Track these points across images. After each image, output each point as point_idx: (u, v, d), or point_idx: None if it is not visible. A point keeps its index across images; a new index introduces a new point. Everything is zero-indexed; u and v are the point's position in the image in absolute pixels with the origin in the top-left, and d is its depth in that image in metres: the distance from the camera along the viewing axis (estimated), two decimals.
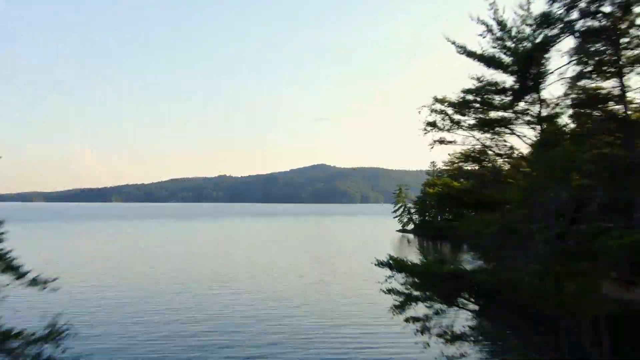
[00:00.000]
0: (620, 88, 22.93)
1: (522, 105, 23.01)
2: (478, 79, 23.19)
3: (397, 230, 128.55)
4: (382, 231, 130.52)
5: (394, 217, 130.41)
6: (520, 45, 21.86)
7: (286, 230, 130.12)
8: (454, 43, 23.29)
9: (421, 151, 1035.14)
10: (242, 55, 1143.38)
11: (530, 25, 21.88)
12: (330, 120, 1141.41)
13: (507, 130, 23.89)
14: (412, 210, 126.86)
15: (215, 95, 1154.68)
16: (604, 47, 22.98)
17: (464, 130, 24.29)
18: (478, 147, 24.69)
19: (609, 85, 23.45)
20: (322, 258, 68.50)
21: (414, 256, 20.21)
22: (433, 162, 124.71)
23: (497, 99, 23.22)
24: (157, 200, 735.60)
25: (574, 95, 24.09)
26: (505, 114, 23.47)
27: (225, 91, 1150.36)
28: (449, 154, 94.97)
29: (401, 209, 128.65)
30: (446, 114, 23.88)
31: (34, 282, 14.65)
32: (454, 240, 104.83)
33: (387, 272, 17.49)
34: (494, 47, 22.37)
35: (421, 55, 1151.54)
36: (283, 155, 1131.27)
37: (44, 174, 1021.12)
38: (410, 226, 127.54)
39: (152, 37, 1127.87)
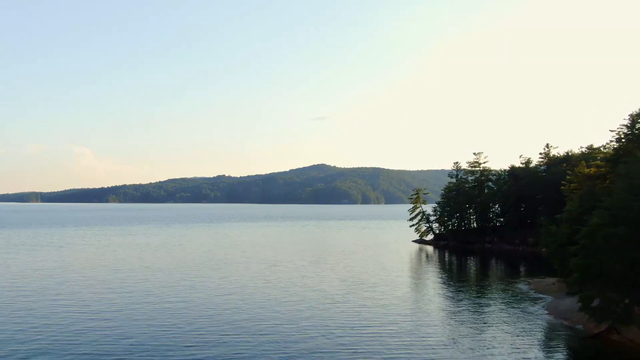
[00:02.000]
0: None
1: None
2: None
3: (413, 241, 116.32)
4: (397, 242, 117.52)
5: (410, 226, 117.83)
6: None
7: (292, 244, 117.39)
8: None
9: (421, 151, 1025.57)
10: (242, 55, 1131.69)
11: None
12: (330, 119, 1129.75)
13: None
14: (432, 218, 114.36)
15: (214, 95, 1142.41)
16: None
17: None
18: None
19: None
20: (339, 292, 57.05)
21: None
22: (457, 162, 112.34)
23: None
24: (155, 201, 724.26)
25: None
26: None
27: (225, 91, 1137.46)
28: (474, 153, 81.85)
29: (419, 216, 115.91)
30: None
31: None
32: (482, 254, 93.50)
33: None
34: None
35: (421, 55, 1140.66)
36: (283, 155, 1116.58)
37: (42, 174, 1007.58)
38: (430, 236, 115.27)
39: (152, 36, 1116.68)
